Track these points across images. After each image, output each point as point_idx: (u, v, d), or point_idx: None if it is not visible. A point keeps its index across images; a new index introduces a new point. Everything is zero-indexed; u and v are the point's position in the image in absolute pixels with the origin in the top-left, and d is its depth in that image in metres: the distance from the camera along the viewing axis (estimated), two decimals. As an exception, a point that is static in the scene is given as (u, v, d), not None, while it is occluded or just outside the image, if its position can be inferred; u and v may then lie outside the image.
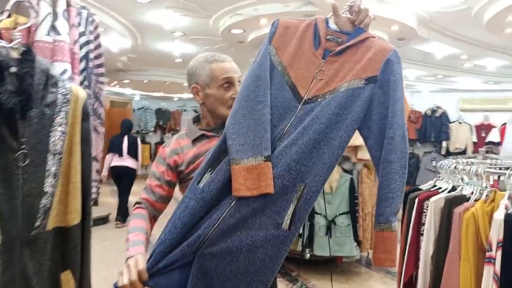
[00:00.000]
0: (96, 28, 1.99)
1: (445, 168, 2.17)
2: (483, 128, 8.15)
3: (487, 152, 4.50)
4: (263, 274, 1.16)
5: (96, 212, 5.92)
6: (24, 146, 1.08)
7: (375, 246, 1.22)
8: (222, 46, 6.34)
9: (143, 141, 11.25)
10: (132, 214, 1.47)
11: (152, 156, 11.66)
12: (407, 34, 5.24)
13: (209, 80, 1.47)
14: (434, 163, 7.74)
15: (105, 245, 4.91)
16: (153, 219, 1.50)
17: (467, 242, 1.72)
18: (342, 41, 1.28)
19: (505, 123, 7.17)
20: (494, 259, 1.58)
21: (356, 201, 4.09)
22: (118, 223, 6.12)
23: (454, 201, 1.89)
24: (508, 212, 1.69)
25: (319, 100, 1.23)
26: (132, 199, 6.22)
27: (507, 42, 5.86)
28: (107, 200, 7.33)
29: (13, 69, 1.09)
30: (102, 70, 2.08)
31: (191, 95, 1.52)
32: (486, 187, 1.90)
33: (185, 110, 12.58)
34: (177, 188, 1.55)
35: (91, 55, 1.93)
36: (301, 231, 3.83)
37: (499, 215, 1.66)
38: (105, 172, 6.06)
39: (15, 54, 1.12)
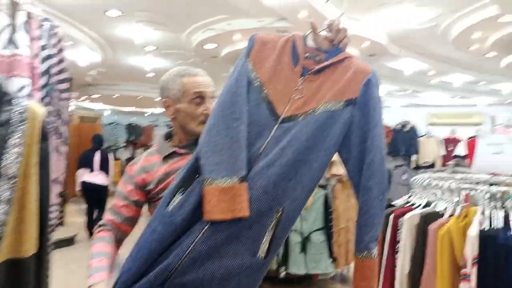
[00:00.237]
0: (59, 41, 1.89)
1: (418, 183, 2.17)
2: (451, 142, 8.39)
3: (455, 165, 4.64)
4: None
5: (61, 233, 5.72)
6: (-28, 170, 0.99)
7: (355, 273, 1.18)
8: (195, 60, 6.30)
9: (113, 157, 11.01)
10: (95, 237, 1.38)
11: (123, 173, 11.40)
12: (378, 50, 5.38)
13: (180, 95, 1.41)
14: (404, 176, 7.90)
15: (71, 268, 4.66)
16: (118, 242, 1.41)
17: (442, 259, 1.71)
18: (320, 59, 1.25)
19: (471, 137, 7.43)
20: (470, 276, 1.57)
21: (331, 216, 4.07)
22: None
23: (429, 218, 1.88)
24: (482, 228, 1.70)
25: (297, 119, 1.19)
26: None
27: (472, 59, 6.11)
28: (74, 219, 7.03)
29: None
30: (65, 85, 1.97)
31: (163, 110, 1.46)
32: (459, 202, 1.91)
33: (157, 126, 12.42)
34: (145, 208, 1.46)
35: (54, 70, 1.84)
36: (276, 248, 3.76)
37: (473, 232, 1.66)
38: (78, 187, 5.98)
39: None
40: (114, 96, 9.85)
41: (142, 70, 7.36)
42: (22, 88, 1.51)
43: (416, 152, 8.40)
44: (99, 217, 6.10)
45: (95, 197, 6.18)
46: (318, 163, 1.16)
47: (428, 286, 1.72)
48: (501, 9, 4.00)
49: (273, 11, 4.08)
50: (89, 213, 6.25)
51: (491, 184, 1.92)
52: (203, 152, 1.15)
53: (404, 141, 8.48)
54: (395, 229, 2.07)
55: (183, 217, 1.11)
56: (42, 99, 1.69)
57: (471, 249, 1.64)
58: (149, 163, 1.43)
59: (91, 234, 6.04)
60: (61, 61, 1.91)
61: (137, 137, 12.34)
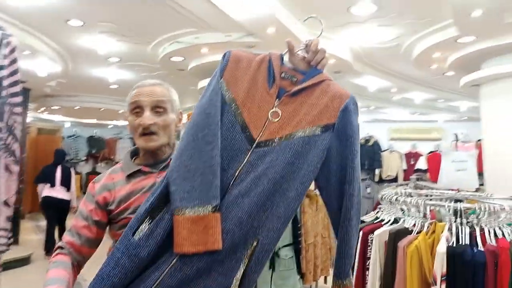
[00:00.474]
0: (12, 51, 1.75)
1: (386, 199, 2.19)
2: (412, 156, 8.67)
3: (417, 179, 4.77)
4: None
5: (15, 252, 5.36)
6: None
7: None
8: (161, 73, 6.19)
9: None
10: (52, 261, 1.26)
11: (83, 187, 10.97)
12: (343, 67, 5.50)
13: (127, 107, 1.36)
14: (368, 190, 8.07)
15: (25, 290, 4.37)
16: (77, 266, 1.30)
17: (412, 276, 1.72)
18: (297, 80, 1.18)
19: (430, 152, 7.71)
20: (439, 293, 1.58)
21: (300, 232, 4.05)
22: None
23: (398, 234, 1.89)
24: (449, 244, 1.71)
25: (273, 144, 1.12)
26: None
27: (433, 77, 6.36)
28: (29, 237, 6.65)
29: None
30: (18, 99, 1.81)
31: (126, 122, 1.39)
32: (426, 218, 1.93)
33: (121, 138, 12.09)
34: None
35: (5, 83, 1.70)
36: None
37: (441, 248, 1.68)
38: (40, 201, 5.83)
39: None
40: (75, 108, 9.49)
41: (106, 81, 7.14)
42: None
43: (380, 166, 8.62)
44: (60, 234, 5.84)
45: (56, 213, 5.96)
46: (294, 192, 1.10)
47: (399, 304, 1.71)
48: (460, 31, 4.18)
49: (242, 26, 4.07)
50: (49, 229, 5.97)
51: (456, 201, 1.95)
52: (174, 178, 1.06)
53: (368, 155, 8.67)
54: (365, 246, 2.06)
55: (150, 249, 1.02)
56: (-8, 113, 1.56)
57: (440, 266, 1.65)
58: (112, 181, 1.34)
59: (48, 252, 5.71)
60: (13, 73, 1.76)
61: (99, 150, 11.95)
